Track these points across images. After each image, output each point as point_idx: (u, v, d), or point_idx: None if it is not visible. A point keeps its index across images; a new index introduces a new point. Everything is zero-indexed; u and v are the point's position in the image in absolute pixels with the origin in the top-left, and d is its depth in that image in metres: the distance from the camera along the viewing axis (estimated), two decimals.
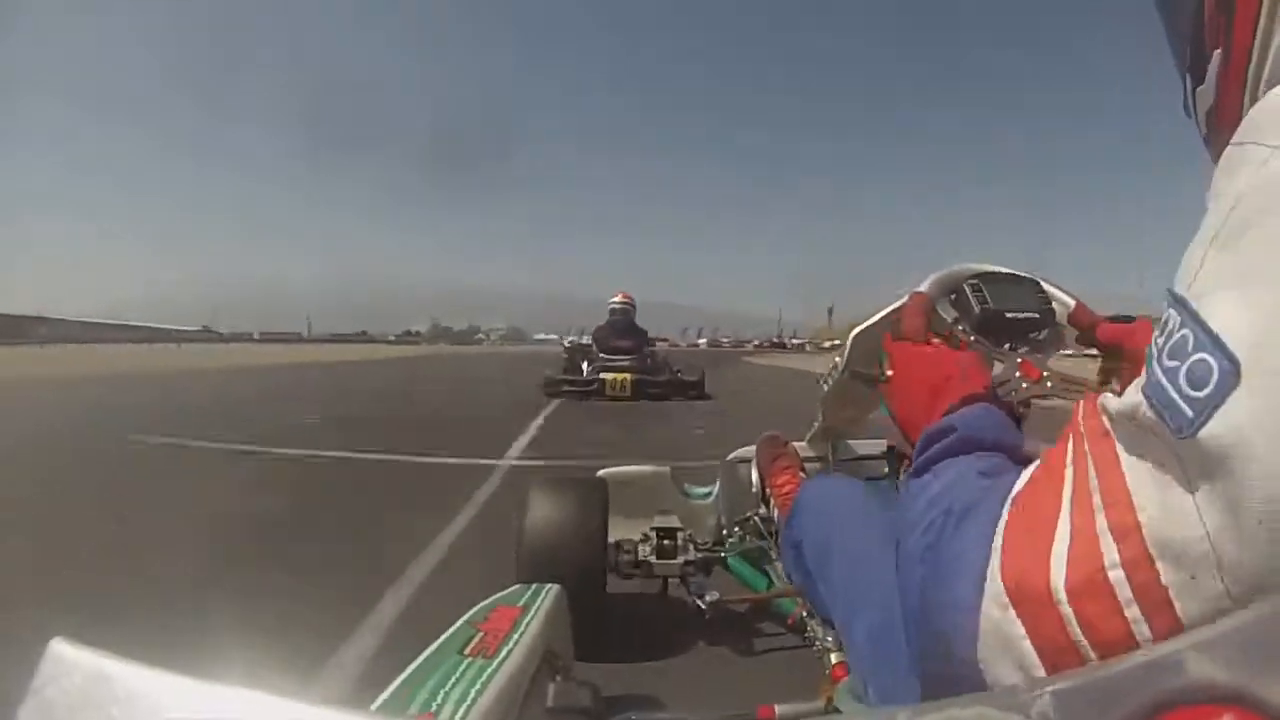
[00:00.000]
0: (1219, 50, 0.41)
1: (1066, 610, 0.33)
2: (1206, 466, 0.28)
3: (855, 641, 0.75)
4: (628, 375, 8.27)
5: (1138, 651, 0.22)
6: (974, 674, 0.37)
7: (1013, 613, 0.35)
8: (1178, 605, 0.30)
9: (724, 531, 1.61)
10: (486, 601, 0.91)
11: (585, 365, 8.99)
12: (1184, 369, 0.30)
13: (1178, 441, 0.29)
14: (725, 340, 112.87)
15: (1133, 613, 0.31)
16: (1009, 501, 0.39)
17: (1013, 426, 0.56)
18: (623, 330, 9.40)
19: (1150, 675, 0.21)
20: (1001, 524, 0.37)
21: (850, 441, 1.58)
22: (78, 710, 0.23)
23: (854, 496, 0.95)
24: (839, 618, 0.82)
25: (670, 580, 1.53)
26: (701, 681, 1.37)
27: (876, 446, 1.59)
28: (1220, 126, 0.43)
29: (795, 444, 1.47)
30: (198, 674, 0.23)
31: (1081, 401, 0.39)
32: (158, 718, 0.22)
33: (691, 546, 1.52)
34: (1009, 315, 0.75)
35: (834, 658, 0.97)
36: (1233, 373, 0.28)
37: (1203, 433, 0.28)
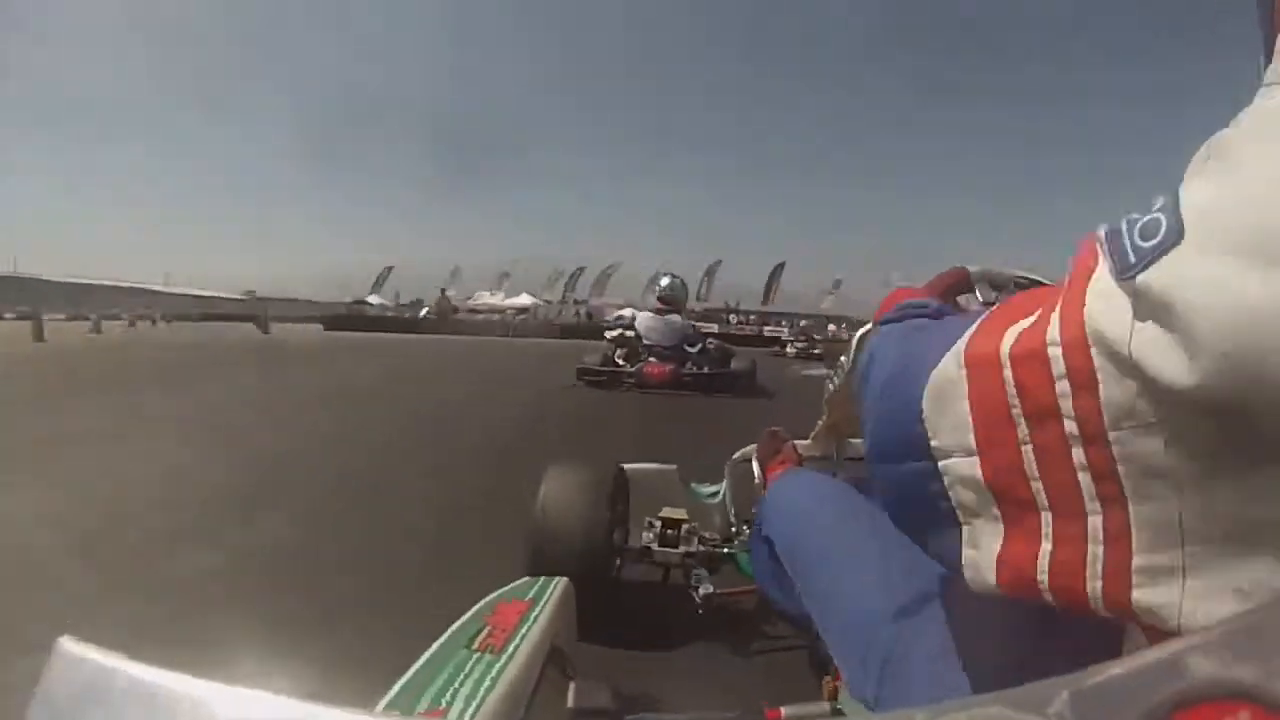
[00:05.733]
0: None
1: (1007, 372, 0.36)
2: (1140, 305, 0.31)
3: (833, 639, 0.73)
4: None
5: (1153, 649, 0.22)
6: (918, 442, 0.41)
7: (964, 372, 0.39)
8: (1102, 391, 0.32)
9: (732, 528, 1.62)
10: (493, 595, 0.92)
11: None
12: (1142, 220, 0.33)
13: (1120, 280, 0.33)
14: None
15: (1062, 387, 0.34)
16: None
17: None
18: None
19: (1167, 673, 0.21)
20: (981, 318, 0.41)
21: (854, 441, 1.58)
22: (85, 710, 0.23)
23: (830, 493, 0.92)
24: (815, 614, 0.79)
25: (674, 571, 1.55)
26: (702, 676, 1.37)
27: None
28: None
29: (798, 442, 1.47)
30: (204, 675, 0.23)
31: None
32: (164, 717, 0.22)
33: (696, 539, 1.54)
34: None
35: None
36: (1177, 232, 0.30)
37: (1140, 278, 0.31)
